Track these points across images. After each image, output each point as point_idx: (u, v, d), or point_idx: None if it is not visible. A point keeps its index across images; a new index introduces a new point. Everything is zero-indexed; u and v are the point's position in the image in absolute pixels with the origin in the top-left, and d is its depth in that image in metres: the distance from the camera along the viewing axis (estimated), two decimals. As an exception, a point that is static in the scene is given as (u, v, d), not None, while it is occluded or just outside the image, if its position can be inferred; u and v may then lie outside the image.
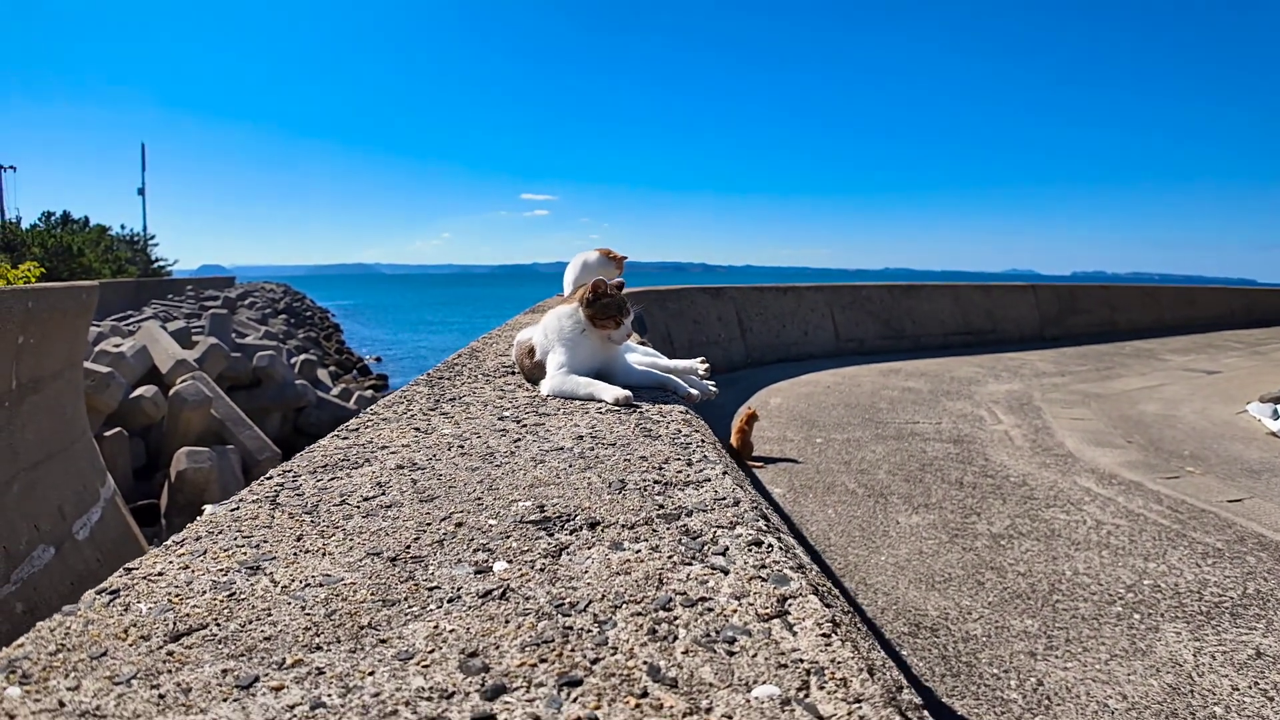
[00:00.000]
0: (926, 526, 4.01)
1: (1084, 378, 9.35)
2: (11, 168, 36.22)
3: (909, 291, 12.69)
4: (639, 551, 1.02)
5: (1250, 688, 2.48)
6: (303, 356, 18.89)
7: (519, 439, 1.65)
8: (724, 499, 1.22)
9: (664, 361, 2.42)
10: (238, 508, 1.22)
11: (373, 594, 0.92)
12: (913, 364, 10.38)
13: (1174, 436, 6.17)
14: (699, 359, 2.40)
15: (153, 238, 46.98)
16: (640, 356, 2.42)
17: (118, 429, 10.04)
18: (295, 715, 0.68)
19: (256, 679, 0.74)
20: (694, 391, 2.21)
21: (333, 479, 1.37)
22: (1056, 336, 13.82)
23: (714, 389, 2.33)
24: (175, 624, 0.85)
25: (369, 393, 18.50)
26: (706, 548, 1.03)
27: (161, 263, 46.64)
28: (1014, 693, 2.50)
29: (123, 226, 45.21)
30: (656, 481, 1.32)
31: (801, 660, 0.75)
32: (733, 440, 5.34)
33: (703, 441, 1.60)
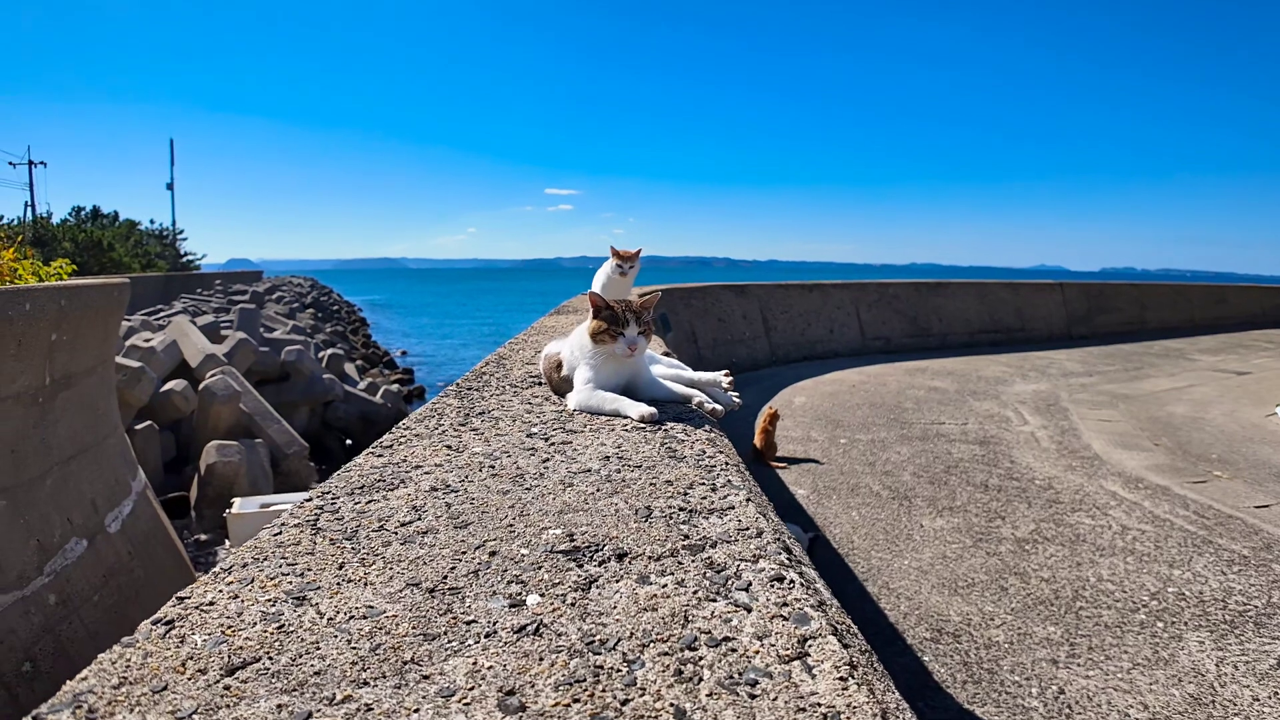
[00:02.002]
0: (950, 530, 4.01)
1: (1112, 378, 9.26)
2: (42, 163, 36.93)
3: (935, 289, 12.60)
4: (665, 586, 1.06)
5: (1271, 698, 2.48)
6: (330, 351, 19.13)
7: (548, 459, 1.69)
8: (747, 529, 1.26)
9: (688, 374, 2.45)
10: (280, 532, 1.28)
11: (414, 627, 0.96)
12: (939, 363, 10.32)
13: (1202, 439, 6.10)
14: (723, 371, 2.43)
15: (181, 232, 47.67)
16: (665, 369, 2.45)
17: (148, 423, 10.26)
18: (347, 754, 0.73)
19: (310, 715, 0.79)
20: (718, 406, 2.24)
21: (370, 501, 1.42)
22: (1085, 335, 13.67)
23: (738, 400, 2.36)
24: (229, 657, 0.90)
25: (395, 387, 18.70)
26: (730, 582, 1.06)
27: (190, 257, 47.32)
28: (1035, 701, 2.51)
29: (152, 221, 45.88)
30: (681, 509, 1.36)
31: (819, 704, 0.78)
32: (756, 441, 5.36)
33: (726, 464, 1.64)
